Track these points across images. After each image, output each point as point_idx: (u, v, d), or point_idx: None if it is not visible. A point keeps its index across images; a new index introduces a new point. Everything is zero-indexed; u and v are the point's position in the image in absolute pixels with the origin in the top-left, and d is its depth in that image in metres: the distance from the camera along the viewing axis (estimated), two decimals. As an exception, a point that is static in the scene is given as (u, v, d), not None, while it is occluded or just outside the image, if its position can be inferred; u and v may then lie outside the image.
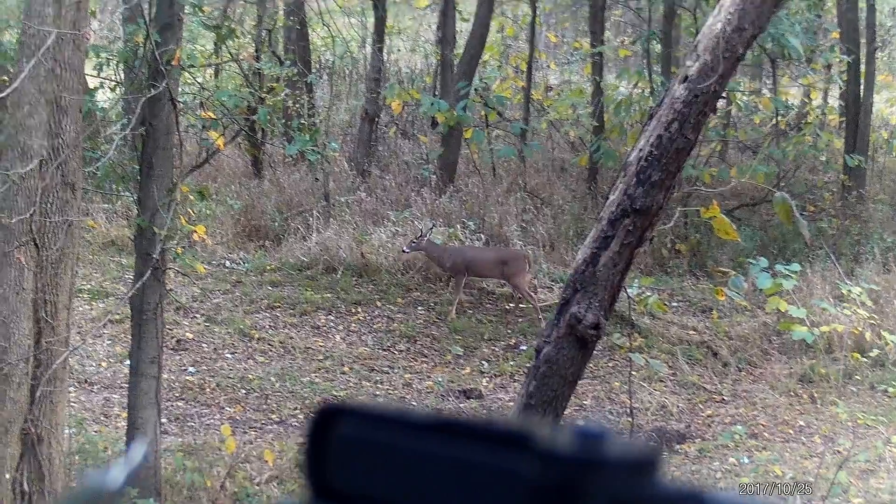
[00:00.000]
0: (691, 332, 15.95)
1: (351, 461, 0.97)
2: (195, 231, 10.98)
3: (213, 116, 11.44)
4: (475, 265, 16.49)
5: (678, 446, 12.92)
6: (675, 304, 16.82)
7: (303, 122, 15.97)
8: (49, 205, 8.56)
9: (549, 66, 25.78)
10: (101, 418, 12.63)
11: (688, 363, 15.04)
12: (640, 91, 21.32)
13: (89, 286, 15.89)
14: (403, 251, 16.72)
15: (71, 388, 11.75)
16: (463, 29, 21.56)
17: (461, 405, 13.54)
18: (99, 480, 1.33)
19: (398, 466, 0.94)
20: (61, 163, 8.56)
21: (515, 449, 0.89)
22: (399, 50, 24.65)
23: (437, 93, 20.67)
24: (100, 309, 15.22)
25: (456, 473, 0.91)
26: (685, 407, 14.00)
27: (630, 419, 11.43)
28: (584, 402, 13.58)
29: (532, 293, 16.28)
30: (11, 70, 11.98)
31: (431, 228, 16.89)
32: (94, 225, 16.97)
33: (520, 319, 16.16)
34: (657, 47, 20.95)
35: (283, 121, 17.53)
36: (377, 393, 13.84)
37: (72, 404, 11.91)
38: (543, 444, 0.88)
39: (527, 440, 0.88)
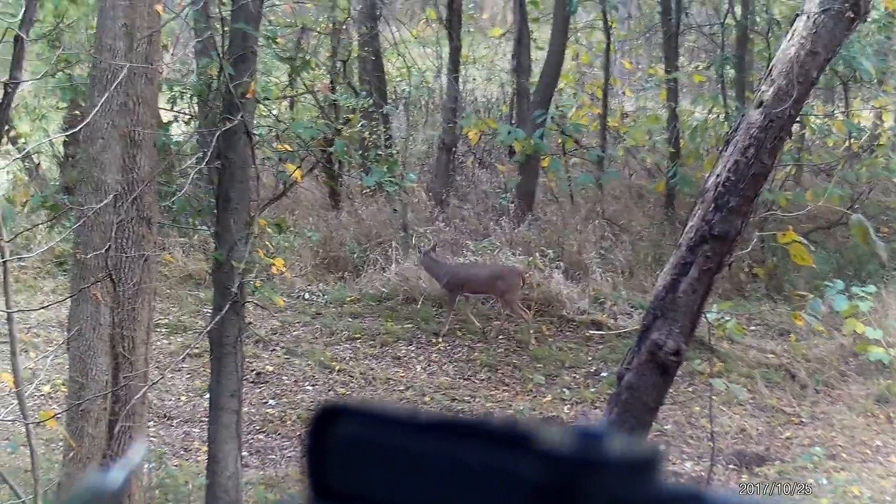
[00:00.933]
0: (769, 355, 15.67)
1: (351, 461, 0.96)
2: (274, 264, 10.87)
3: (290, 149, 11.32)
4: (470, 282, 16.41)
5: (758, 469, 12.74)
6: (752, 327, 16.53)
7: (380, 153, 15.85)
8: (125, 240, 8.48)
9: (624, 93, 25.56)
10: (181, 452, 12.54)
11: (766, 386, 14.78)
12: (714, 116, 21.06)
13: (167, 320, 15.86)
14: (419, 256, 16.68)
15: (150, 423, 11.69)
16: (538, 57, 21.31)
17: None
18: (99, 481, 1.33)
19: (398, 466, 0.93)
20: (136, 197, 8.48)
21: (516, 449, 0.88)
22: (475, 79, 24.51)
23: (513, 121, 20.52)
24: (178, 343, 15.19)
25: (456, 473, 0.90)
26: (764, 430, 13.77)
27: (711, 443, 11.19)
28: (665, 428, 13.35)
29: (523, 308, 16.20)
30: (83, 104, 11.96)
31: (434, 246, 16.79)
32: (170, 259, 16.97)
33: (600, 346, 15.91)
34: (731, 72, 20.67)
35: (360, 152, 17.44)
36: None
37: (151, 439, 11.83)
38: (544, 445, 0.87)
39: (527, 440, 0.87)
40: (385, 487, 0.93)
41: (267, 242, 11.45)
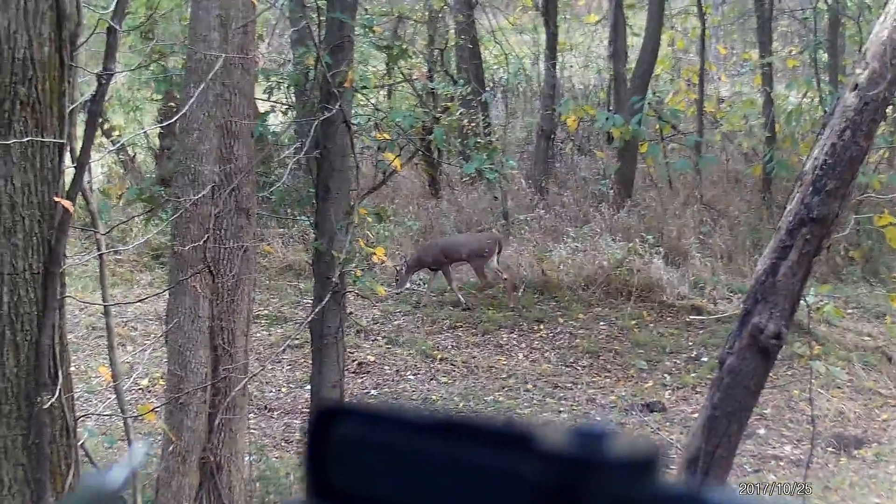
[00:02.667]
0: (866, 337, 15.40)
1: (352, 461, 0.94)
2: (374, 253, 10.70)
3: (389, 137, 11.16)
4: (451, 252, 16.40)
5: (856, 451, 12.46)
6: (849, 310, 16.25)
7: (479, 140, 15.64)
8: (223, 231, 8.34)
9: (719, 78, 25.26)
10: (282, 444, 12.42)
11: (863, 369, 14.47)
12: (809, 100, 20.70)
13: (267, 312, 15.84)
14: (397, 293, 16.53)
15: (250, 415, 11.59)
16: (634, 43, 21.24)
17: (645, 419, 13.15)
18: (99, 480, 1.32)
19: (399, 467, 0.91)
20: (234, 188, 8.33)
21: (516, 449, 0.86)
22: (572, 66, 24.34)
23: (611, 108, 20.33)
24: (278, 334, 15.13)
25: (457, 473, 0.88)
26: (862, 412, 13.47)
27: (811, 426, 10.96)
28: (764, 411, 13.07)
29: (499, 274, 16.43)
30: (178, 96, 11.86)
31: (405, 258, 16.62)
32: (270, 250, 16.92)
33: (700, 331, 15.70)
34: (824, 56, 20.49)
35: (460, 140, 17.27)
36: (561, 409, 13.44)
37: (251, 431, 11.73)
38: (544, 444, 0.85)
39: (528, 440, 0.86)
40: (386, 487, 0.92)
41: (367, 232, 11.33)
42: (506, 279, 16.44)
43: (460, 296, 16.38)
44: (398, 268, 16.51)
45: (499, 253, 16.49)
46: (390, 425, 0.92)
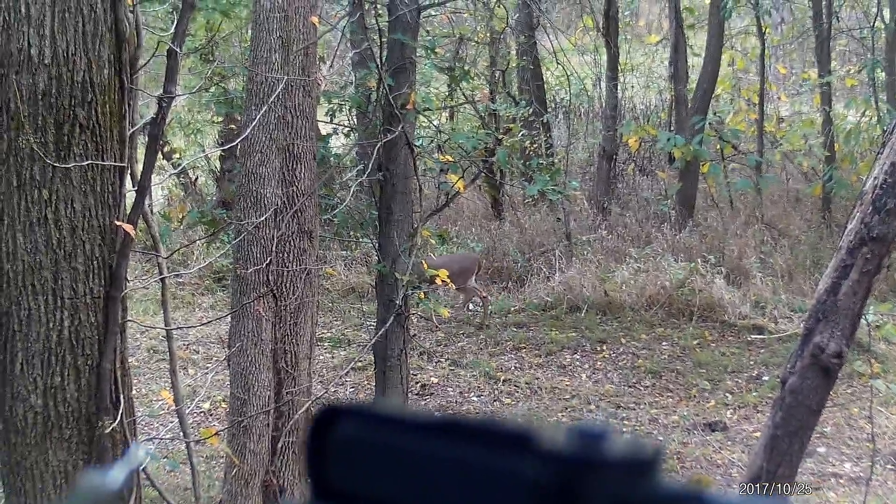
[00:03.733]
0: (925, 356, 15.17)
1: (353, 462, 0.94)
2: (438, 275, 10.61)
3: (452, 159, 11.07)
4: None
5: (916, 469, 12.27)
6: (908, 328, 15.96)
7: (541, 161, 15.52)
8: (286, 254, 8.29)
9: (779, 98, 25.05)
10: (346, 467, 12.32)
11: (922, 386, 14.29)
12: (867, 119, 20.46)
13: (330, 334, 15.76)
14: None
15: (314, 438, 11.45)
16: (695, 63, 21.08)
17: (707, 438, 12.92)
18: (99, 480, 1.32)
19: (400, 467, 0.91)
20: (297, 211, 8.28)
21: (516, 449, 0.85)
22: (633, 86, 24.22)
23: (672, 128, 20.19)
24: (341, 357, 15.03)
25: (457, 474, 0.88)
26: (921, 429, 13.30)
27: (870, 444, 10.82)
28: (825, 430, 12.90)
29: (477, 292, 16.30)
30: (239, 118, 11.80)
31: None
32: (332, 272, 16.86)
33: (761, 350, 15.47)
34: (882, 75, 20.22)
35: (522, 161, 17.18)
36: (623, 429, 13.20)
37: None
38: (544, 445, 0.84)
39: (527, 440, 0.85)
40: (386, 488, 0.92)
41: (430, 254, 11.27)
42: (484, 297, 16.37)
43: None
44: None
45: (478, 272, 16.38)
46: (391, 426, 0.93)
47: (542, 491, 0.84)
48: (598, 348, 15.67)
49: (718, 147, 20.30)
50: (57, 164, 4.68)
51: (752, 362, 15.11)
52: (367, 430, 0.93)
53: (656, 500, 0.85)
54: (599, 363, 15.29)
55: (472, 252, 17.18)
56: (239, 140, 7.79)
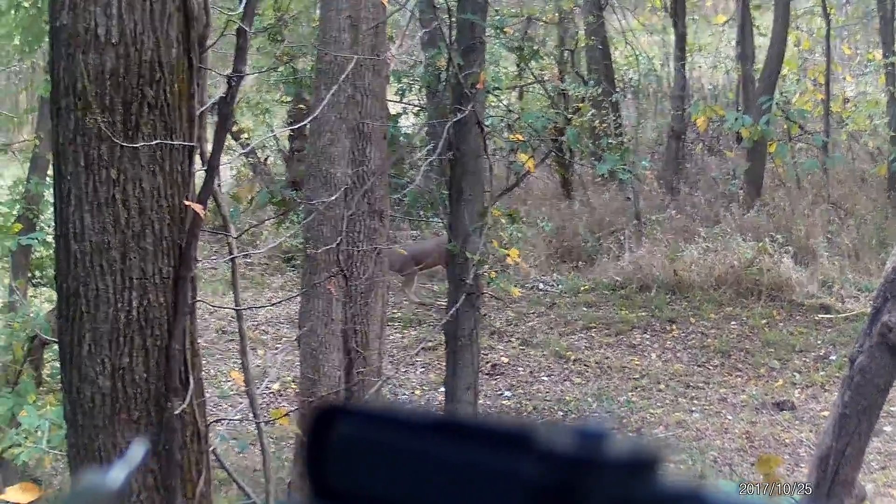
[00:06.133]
0: None
1: (351, 461, 0.93)
2: (508, 255, 10.52)
3: (522, 139, 10.95)
4: (421, 259, 15.93)
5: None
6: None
7: (611, 141, 15.40)
8: (356, 233, 8.23)
9: (844, 78, 24.77)
10: (417, 447, 12.29)
11: None
12: (929, 99, 20.25)
13: (400, 314, 15.80)
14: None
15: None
16: (761, 44, 21.01)
17: (775, 417, 12.95)
18: (99, 480, 1.31)
19: (399, 466, 0.91)
20: (367, 190, 8.20)
21: (515, 449, 0.85)
22: (700, 66, 24.02)
23: (740, 108, 20.01)
24: (412, 337, 15.09)
25: (456, 473, 0.87)
26: None
27: None
28: (891, 409, 12.76)
29: None
30: (308, 98, 11.78)
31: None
32: (403, 252, 16.79)
33: (829, 330, 15.44)
34: (946, 55, 19.94)
35: (591, 140, 17.06)
36: (693, 409, 13.30)
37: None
38: (543, 444, 0.84)
39: (527, 440, 0.84)
40: (385, 487, 0.91)
41: (500, 233, 11.23)
42: None
43: (417, 299, 16.25)
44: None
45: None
46: (390, 425, 0.92)
47: (541, 491, 0.83)
48: (668, 328, 15.68)
49: (785, 127, 20.28)
50: (125, 144, 4.58)
51: (819, 342, 15.09)
52: (366, 429, 0.93)
53: (656, 500, 0.85)
54: (669, 342, 15.31)
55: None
56: (309, 120, 7.70)
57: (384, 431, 0.92)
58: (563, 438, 0.84)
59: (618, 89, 21.17)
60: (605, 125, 18.28)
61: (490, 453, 0.86)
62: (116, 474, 1.32)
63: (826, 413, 12.53)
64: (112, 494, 1.30)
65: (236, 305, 5.90)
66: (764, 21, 21.86)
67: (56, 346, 6.65)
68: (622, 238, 17.80)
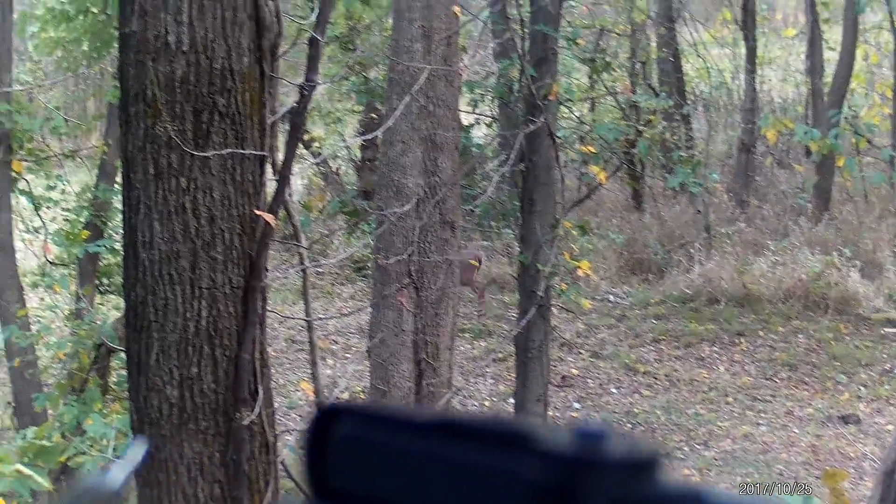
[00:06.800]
0: None
1: (351, 461, 0.90)
2: (579, 267, 10.38)
3: (594, 150, 10.81)
4: None
5: None
6: None
7: (682, 153, 15.23)
8: (427, 244, 8.11)
9: (911, 92, 24.45)
10: (487, 458, 12.21)
11: None
12: None
13: (470, 325, 15.72)
14: None
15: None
16: (830, 57, 20.74)
17: (841, 431, 12.88)
18: (99, 480, 1.29)
19: (399, 466, 0.88)
20: (439, 201, 8.06)
21: (515, 449, 0.82)
22: (770, 79, 23.78)
23: (809, 121, 19.82)
24: (482, 347, 15.02)
25: (456, 473, 0.85)
26: None
27: None
28: None
29: (477, 289, 16.04)
30: (379, 107, 11.69)
31: None
32: (475, 263, 16.72)
33: (894, 344, 15.29)
34: None
35: (662, 153, 16.90)
36: (759, 422, 13.21)
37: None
38: (543, 444, 0.82)
39: (527, 440, 0.82)
40: (385, 487, 0.88)
41: (571, 245, 11.10)
42: (482, 285, 16.21)
43: None
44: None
45: (479, 267, 16.03)
46: (390, 425, 0.90)
47: (541, 491, 0.82)
48: (736, 340, 15.61)
49: (854, 141, 20.03)
50: (195, 153, 4.48)
51: (885, 355, 15.00)
52: (366, 429, 0.91)
53: (656, 500, 0.82)
54: (737, 355, 15.23)
55: (475, 245, 16.91)
56: (381, 130, 7.61)
57: (385, 431, 0.90)
58: (563, 438, 0.82)
59: (689, 102, 21.04)
60: (675, 137, 18.13)
61: (490, 453, 0.84)
62: (116, 474, 1.30)
63: (891, 427, 12.44)
64: (112, 494, 1.28)
65: (307, 316, 5.79)
66: (833, 35, 21.70)
67: (123, 354, 6.56)
68: (692, 251, 17.67)
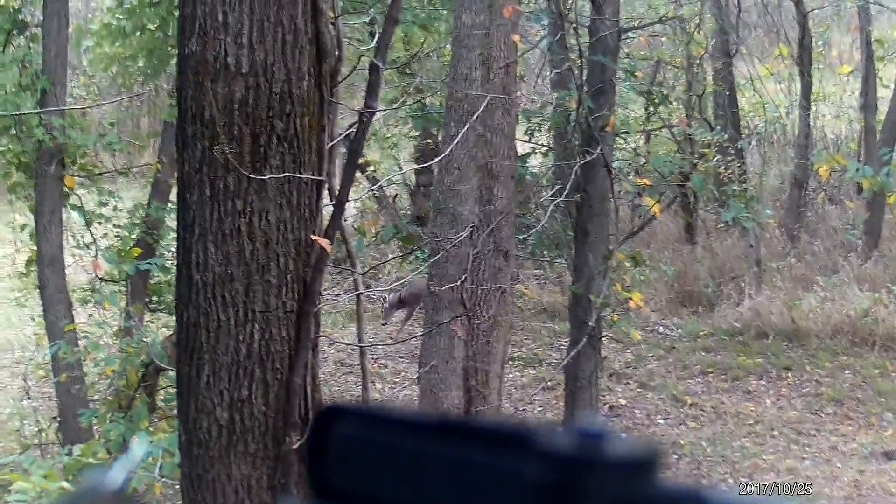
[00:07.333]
0: None
1: (353, 461, 0.93)
2: (631, 298, 10.23)
3: (648, 183, 10.67)
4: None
5: None
6: None
7: (735, 188, 15.08)
8: (481, 272, 8.03)
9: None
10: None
11: None
12: None
13: (521, 353, 15.58)
14: (383, 324, 15.74)
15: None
16: (884, 95, 20.51)
17: (884, 467, 12.66)
18: (99, 480, 1.26)
19: (399, 467, 0.90)
20: (493, 229, 7.96)
21: (516, 449, 0.84)
22: (824, 115, 23.55)
23: (861, 158, 19.62)
24: (531, 375, 14.86)
25: (457, 473, 0.86)
26: None
27: None
28: None
29: None
30: (436, 133, 11.60)
31: (387, 296, 15.61)
32: (528, 293, 16.58)
33: None
34: None
35: (716, 186, 16.76)
36: (804, 456, 13.01)
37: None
38: (544, 445, 0.83)
39: (527, 440, 0.84)
40: (386, 487, 0.90)
41: (623, 276, 10.97)
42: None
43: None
44: (383, 304, 15.92)
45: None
46: (391, 426, 0.90)
47: (542, 491, 0.81)
48: (783, 374, 15.42)
49: (905, 179, 19.77)
50: (252, 176, 4.41)
51: None
52: (367, 429, 0.91)
53: (655, 500, 0.82)
54: (784, 389, 15.05)
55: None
56: (441, 157, 7.52)
57: (385, 432, 0.90)
58: (564, 439, 0.82)
59: (743, 136, 20.86)
60: (729, 171, 17.97)
61: (490, 453, 0.84)
62: (116, 474, 1.27)
63: (934, 464, 12.28)
64: (112, 494, 1.26)
65: (359, 342, 5.72)
66: (887, 73, 21.41)
67: (171, 373, 6.45)
68: (742, 284, 17.44)
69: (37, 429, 12.58)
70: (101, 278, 12.10)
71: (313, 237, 4.60)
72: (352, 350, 9.79)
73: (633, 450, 0.82)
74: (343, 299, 13.71)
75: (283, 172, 4.47)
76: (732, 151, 18.34)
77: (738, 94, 20.89)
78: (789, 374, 15.35)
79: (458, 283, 7.57)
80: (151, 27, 12.44)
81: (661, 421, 13.96)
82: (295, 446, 4.60)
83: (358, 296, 5.57)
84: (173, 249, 6.72)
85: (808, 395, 14.82)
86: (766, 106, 19.15)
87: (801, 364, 15.61)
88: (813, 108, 21.12)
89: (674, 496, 0.83)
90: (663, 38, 17.30)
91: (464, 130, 7.35)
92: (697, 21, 15.05)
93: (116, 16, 12.62)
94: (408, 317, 16.05)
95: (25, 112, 10.74)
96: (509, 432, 0.85)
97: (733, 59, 20.21)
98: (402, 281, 15.35)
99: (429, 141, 15.57)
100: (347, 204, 5.06)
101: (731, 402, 14.51)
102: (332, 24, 4.68)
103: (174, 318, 5.76)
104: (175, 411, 5.86)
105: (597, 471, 0.81)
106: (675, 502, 0.83)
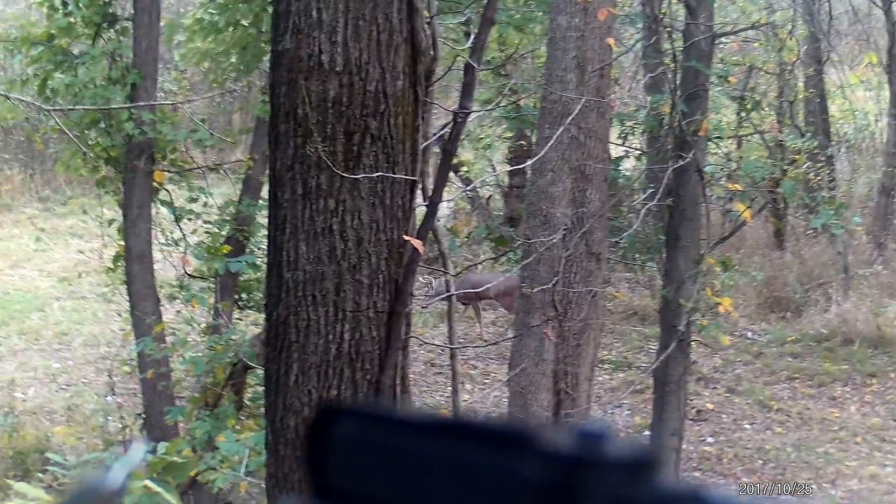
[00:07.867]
0: None
1: (352, 461, 0.90)
2: (721, 303, 9.97)
3: (740, 188, 10.40)
4: (479, 289, 14.94)
5: None
6: None
7: (825, 194, 14.78)
8: (573, 275, 7.85)
9: None
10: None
11: None
12: None
13: (610, 356, 15.46)
14: (423, 308, 15.25)
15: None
16: None
17: None
18: (99, 480, 1.26)
19: (400, 467, 0.88)
20: (586, 232, 7.76)
21: (516, 449, 0.82)
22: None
23: (948, 167, 19.27)
24: (620, 379, 14.75)
25: (457, 474, 0.85)
26: None
27: None
28: None
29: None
30: (529, 135, 11.39)
31: (433, 283, 15.14)
32: (620, 296, 16.36)
33: None
34: None
35: (806, 192, 16.46)
36: (886, 463, 12.78)
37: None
38: (544, 445, 0.81)
39: (527, 441, 0.82)
40: (386, 488, 0.88)
41: (713, 281, 10.74)
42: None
43: (482, 331, 15.82)
44: (428, 289, 15.46)
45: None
46: (391, 426, 0.90)
47: (542, 491, 0.80)
48: (868, 381, 15.23)
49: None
50: (345, 175, 4.26)
51: None
52: (367, 429, 0.90)
53: (655, 500, 0.80)
54: (868, 396, 14.87)
55: (513, 275, 16.53)
56: (535, 159, 7.33)
57: (385, 432, 0.89)
58: (564, 439, 0.80)
59: (833, 143, 20.51)
60: (819, 178, 17.66)
61: (490, 453, 0.82)
62: (116, 474, 1.26)
63: None
64: (112, 494, 1.25)
65: (450, 343, 5.55)
66: (976, 81, 21.01)
67: (259, 371, 6.28)
68: (830, 291, 17.22)
69: (121, 425, 12.49)
70: (189, 275, 11.80)
71: (406, 237, 4.45)
72: (442, 351, 9.60)
73: (632, 450, 0.81)
74: (434, 301, 13.57)
75: (377, 172, 4.31)
76: (822, 158, 18.11)
77: (828, 101, 20.60)
78: (874, 381, 15.12)
79: (550, 285, 7.39)
80: (244, 23, 12.27)
81: (748, 426, 13.76)
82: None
83: (449, 297, 5.40)
84: (263, 247, 6.55)
85: (892, 402, 14.61)
86: (855, 113, 18.78)
87: (885, 371, 15.39)
88: (899, 116, 20.80)
89: (673, 496, 0.81)
90: (756, 44, 17.04)
91: (558, 133, 7.17)
92: (790, 28, 14.78)
93: (209, 11, 12.42)
94: (476, 312, 16.01)
95: (115, 107, 10.58)
96: (509, 433, 0.84)
97: (824, 66, 19.88)
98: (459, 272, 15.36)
99: (522, 142, 15.41)
100: (440, 204, 4.90)
101: (816, 408, 14.33)
102: (428, 23, 4.51)
103: (263, 315, 5.61)
104: (262, 410, 5.72)
105: (596, 471, 0.80)
106: (674, 502, 0.81)
